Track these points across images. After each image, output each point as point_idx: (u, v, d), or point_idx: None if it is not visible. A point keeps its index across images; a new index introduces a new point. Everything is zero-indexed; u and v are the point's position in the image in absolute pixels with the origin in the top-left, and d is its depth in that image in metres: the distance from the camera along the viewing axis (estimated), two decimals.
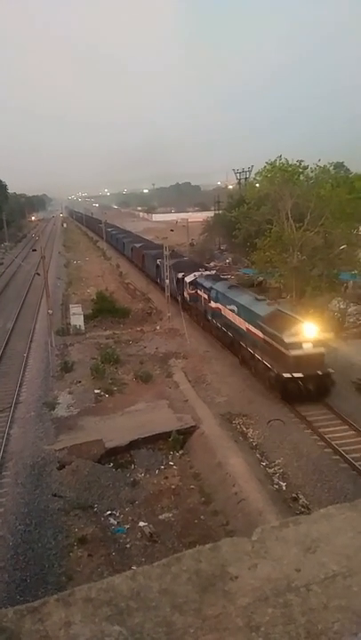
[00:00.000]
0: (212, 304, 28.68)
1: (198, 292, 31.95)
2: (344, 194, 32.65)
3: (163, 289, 38.89)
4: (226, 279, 32.93)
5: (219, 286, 28.99)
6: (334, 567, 1.90)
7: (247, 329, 23.68)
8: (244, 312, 24.21)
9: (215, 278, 31.67)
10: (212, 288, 29.10)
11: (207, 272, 34.48)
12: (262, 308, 23.08)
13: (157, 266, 42.51)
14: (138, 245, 58.84)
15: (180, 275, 35.31)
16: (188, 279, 33.35)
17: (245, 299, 25.28)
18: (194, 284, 32.51)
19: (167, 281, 34.95)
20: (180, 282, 35.09)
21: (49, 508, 14.86)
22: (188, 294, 33.22)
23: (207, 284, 30.43)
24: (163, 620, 1.65)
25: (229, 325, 26.23)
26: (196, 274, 33.22)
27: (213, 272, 35.39)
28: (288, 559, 1.93)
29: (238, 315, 24.85)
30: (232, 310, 25.70)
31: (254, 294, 26.57)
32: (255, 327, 22.61)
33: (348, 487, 14.91)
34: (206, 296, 29.85)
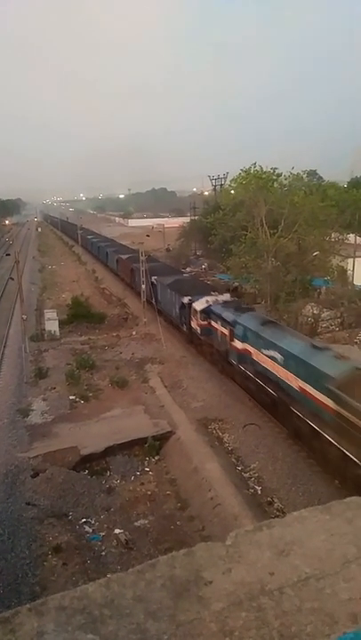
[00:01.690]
0: (237, 344, 21.62)
1: (213, 324, 24.74)
2: (317, 201, 33.33)
3: (159, 311, 32.90)
4: (252, 309, 24.90)
5: (247, 320, 21.54)
6: (307, 570, 1.92)
7: (301, 389, 16.48)
8: (295, 364, 16.97)
9: (238, 307, 23.91)
10: (236, 322, 21.87)
11: (222, 297, 26.79)
12: (331, 364, 15.66)
13: (152, 283, 34.95)
14: (125, 257, 48.31)
15: (185, 299, 27.88)
16: (197, 306, 25.93)
17: (296, 345, 17.75)
18: (206, 312, 25.28)
19: (143, 286, 34.76)
20: (187, 308, 27.84)
21: (22, 516, 14.61)
22: (199, 326, 25.79)
23: (228, 315, 23.02)
24: (136, 628, 1.64)
25: (268, 378, 19.10)
26: (209, 299, 25.85)
27: (229, 296, 27.47)
28: (262, 563, 1.95)
29: (285, 366, 17.65)
30: (272, 358, 18.59)
31: (307, 338, 20.10)
32: (320, 391, 15.33)
33: (321, 490, 15.07)
34: (227, 331, 22.74)
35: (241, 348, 21.36)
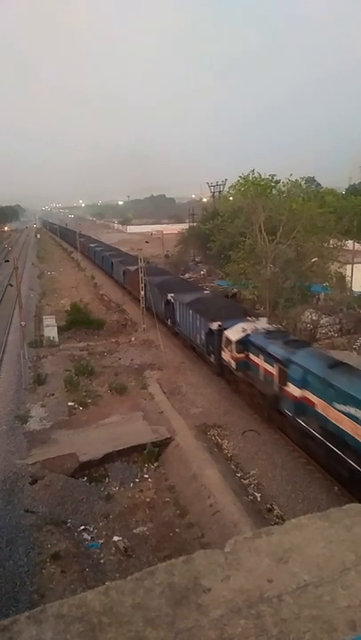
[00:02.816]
0: (293, 389, 16.85)
1: (253, 357, 20.27)
2: (315, 208, 33.46)
3: (176, 333, 30.54)
4: (308, 343, 20.84)
5: (306, 360, 16.86)
6: (306, 577, 1.92)
7: None
8: None
9: (288, 340, 19.24)
10: (290, 361, 17.20)
11: (260, 322, 22.22)
12: None
13: (168, 302, 31.47)
14: (133, 269, 41.42)
15: (214, 325, 23.41)
16: (232, 335, 21.35)
17: None
18: (244, 343, 20.78)
19: (142, 292, 34.77)
20: (216, 336, 23.28)
21: (21, 523, 14.54)
22: (234, 359, 21.23)
23: (276, 350, 18.45)
24: (135, 635, 1.64)
25: (345, 443, 14.38)
26: (245, 327, 21.33)
27: (266, 321, 22.98)
28: (260, 570, 1.95)
29: None
30: (352, 417, 14.04)
31: None
32: None
33: (321, 497, 15.04)
34: (275, 371, 18.18)
35: (299, 396, 16.55)
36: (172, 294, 30.84)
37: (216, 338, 23.30)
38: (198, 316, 25.98)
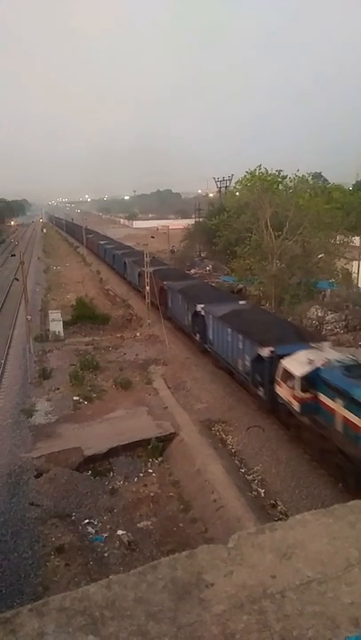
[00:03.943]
0: None
1: (326, 401, 15.38)
2: (322, 204, 33.37)
3: (205, 350, 26.33)
4: None
5: None
6: (309, 573, 1.91)
7: None
8: None
9: None
10: None
11: (326, 350, 17.64)
12: None
13: (197, 313, 26.79)
14: (150, 270, 36.46)
15: (264, 351, 18.61)
16: (295, 368, 16.57)
17: None
18: (312, 380, 15.95)
19: (147, 287, 34.77)
20: (267, 364, 18.58)
21: (25, 516, 14.63)
22: (297, 399, 16.34)
23: None
24: (137, 629, 1.64)
25: None
26: (312, 357, 16.46)
27: (329, 345, 18.77)
28: (264, 565, 1.94)
29: None
30: None
31: None
32: None
33: (325, 494, 15.03)
34: None
35: None
36: (203, 305, 26.10)
37: (267, 367, 18.52)
38: (241, 336, 20.95)
